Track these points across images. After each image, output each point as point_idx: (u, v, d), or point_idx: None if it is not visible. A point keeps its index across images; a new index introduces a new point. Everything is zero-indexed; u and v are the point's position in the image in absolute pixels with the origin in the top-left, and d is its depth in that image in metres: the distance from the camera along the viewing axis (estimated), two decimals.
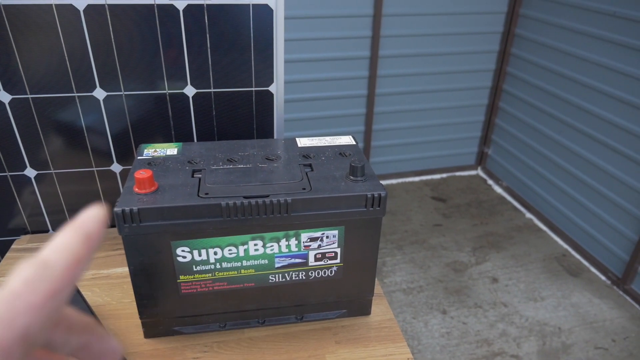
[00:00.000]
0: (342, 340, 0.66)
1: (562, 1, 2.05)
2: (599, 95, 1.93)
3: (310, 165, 0.65)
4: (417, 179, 2.67)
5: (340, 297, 0.67)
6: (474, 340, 1.67)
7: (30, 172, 0.80)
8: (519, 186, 2.47)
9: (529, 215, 2.37)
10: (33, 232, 0.87)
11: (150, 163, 0.64)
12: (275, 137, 0.84)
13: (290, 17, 2.12)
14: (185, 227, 0.56)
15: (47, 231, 0.87)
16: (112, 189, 0.85)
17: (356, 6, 2.17)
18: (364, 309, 0.70)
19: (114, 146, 0.80)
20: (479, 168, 2.77)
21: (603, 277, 1.97)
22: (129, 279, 0.76)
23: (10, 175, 0.80)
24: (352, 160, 0.61)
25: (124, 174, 0.83)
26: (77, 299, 0.61)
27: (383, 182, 2.61)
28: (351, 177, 0.61)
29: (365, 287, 0.67)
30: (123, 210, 0.54)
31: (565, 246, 2.16)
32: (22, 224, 0.85)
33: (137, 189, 0.57)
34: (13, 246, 0.83)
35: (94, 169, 0.82)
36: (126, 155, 0.82)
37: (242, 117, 0.81)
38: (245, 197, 0.56)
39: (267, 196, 0.57)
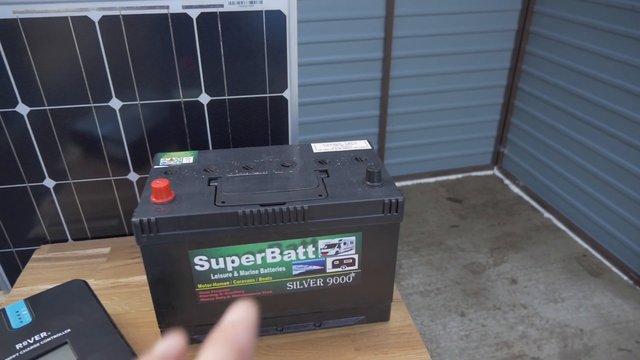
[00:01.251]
0: (361, 347, 0.65)
1: None
2: (617, 92, 1.89)
3: (326, 171, 0.64)
4: (432, 180, 2.65)
5: (359, 304, 0.66)
6: (494, 343, 1.65)
7: (49, 183, 0.81)
8: (537, 185, 2.43)
9: (547, 214, 2.34)
10: (53, 242, 0.88)
11: (167, 172, 0.64)
12: (290, 142, 0.84)
13: (304, 21, 2.12)
14: (202, 236, 0.56)
15: (66, 240, 0.88)
16: (130, 198, 0.85)
17: (368, 8, 2.17)
18: (383, 315, 0.69)
19: (130, 155, 0.81)
20: (495, 168, 2.74)
21: (625, 277, 1.93)
22: (147, 287, 0.76)
23: (30, 186, 0.81)
24: (368, 166, 0.61)
25: (141, 183, 0.84)
26: (97, 309, 0.61)
27: (398, 184, 2.60)
28: (368, 182, 0.60)
29: (383, 293, 0.66)
30: (141, 221, 0.54)
31: (585, 246, 2.12)
32: (42, 233, 0.87)
33: (154, 199, 0.57)
34: (34, 256, 0.84)
35: (111, 178, 0.82)
36: (142, 164, 0.82)
37: (257, 124, 0.81)
38: (261, 205, 0.56)
39: (284, 203, 0.57)
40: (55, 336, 0.56)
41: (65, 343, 0.55)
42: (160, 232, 0.55)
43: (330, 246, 0.60)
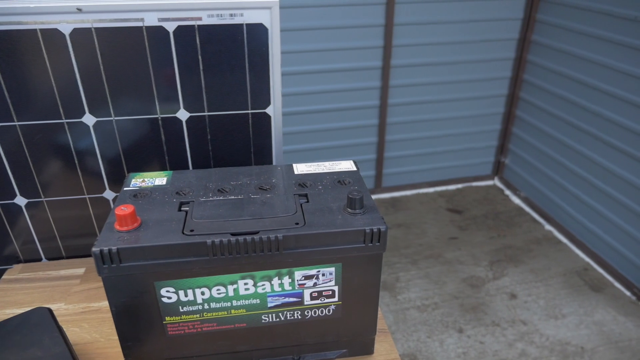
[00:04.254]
0: None
1: (581, 6, 1.97)
2: (619, 102, 1.85)
3: (305, 196, 0.60)
4: (431, 190, 2.61)
5: (340, 337, 0.62)
6: None
7: (21, 201, 0.77)
8: (538, 196, 2.39)
9: (548, 227, 2.29)
10: (26, 261, 0.84)
11: (137, 195, 0.61)
12: (274, 161, 0.80)
13: (302, 29, 2.09)
14: (169, 267, 0.52)
15: (40, 259, 0.84)
16: (105, 215, 0.82)
17: (368, 16, 2.13)
18: (367, 349, 0.65)
19: (105, 172, 0.77)
20: (496, 178, 2.70)
21: (628, 293, 1.88)
22: None
23: (0, 204, 0.77)
24: (350, 191, 0.57)
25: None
26: (59, 342, 0.57)
27: (396, 194, 2.56)
28: (349, 209, 0.56)
29: (366, 325, 0.62)
30: (102, 251, 0.50)
31: (587, 260, 2.07)
32: (15, 252, 0.83)
33: (118, 226, 0.53)
34: (4, 277, 0.81)
35: (86, 196, 0.79)
36: (118, 182, 0.79)
37: (239, 141, 0.77)
38: (232, 234, 0.52)
39: (257, 232, 0.53)
40: None
41: None
42: (123, 263, 0.51)
43: (307, 277, 0.56)
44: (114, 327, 0.70)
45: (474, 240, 2.20)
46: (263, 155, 0.79)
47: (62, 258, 0.85)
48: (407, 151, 2.51)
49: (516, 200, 2.51)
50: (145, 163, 0.77)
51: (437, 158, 2.57)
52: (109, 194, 0.79)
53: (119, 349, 0.66)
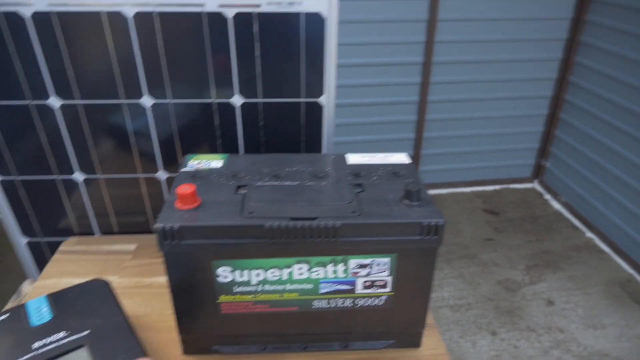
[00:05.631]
0: None
1: (634, 7, 1.90)
2: None
3: (360, 185, 0.60)
4: (468, 189, 2.57)
5: (389, 328, 0.62)
6: None
7: (79, 176, 0.80)
8: (579, 202, 2.32)
9: (589, 234, 2.22)
10: (80, 234, 0.87)
11: (194, 176, 0.62)
12: (324, 150, 0.80)
13: (345, 22, 2.08)
14: (227, 247, 0.53)
15: (93, 233, 0.87)
16: (158, 195, 0.84)
17: (411, 11, 2.11)
18: (414, 341, 0.64)
19: (160, 153, 0.79)
20: (536, 181, 2.63)
21: None
22: None
23: (60, 179, 0.80)
24: (407, 183, 0.57)
25: (170, 182, 0.82)
26: (117, 312, 0.59)
27: (432, 192, 2.53)
28: (406, 201, 0.56)
29: (416, 318, 0.62)
30: (164, 227, 0.51)
31: (630, 270, 2.00)
32: (70, 225, 0.86)
33: (179, 205, 0.54)
34: (60, 248, 0.84)
35: (140, 175, 0.81)
36: (172, 163, 0.80)
37: (290, 129, 0.78)
38: (291, 219, 0.53)
39: (315, 218, 0.53)
40: (73, 337, 0.54)
41: (83, 346, 0.53)
42: (184, 241, 0.53)
43: (361, 266, 0.56)
44: (164, 302, 0.72)
45: (511, 243, 2.16)
46: (313, 144, 0.80)
47: (114, 233, 0.87)
48: (445, 149, 2.47)
49: (556, 205, 2.45)
50: (197, 146, 0.79)
51: (475, 157, 2.52)
52: (161, 175, 0.81)
53: (170, 324, 0.68)
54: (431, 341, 0.66)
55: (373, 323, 0.61)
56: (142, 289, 0.75)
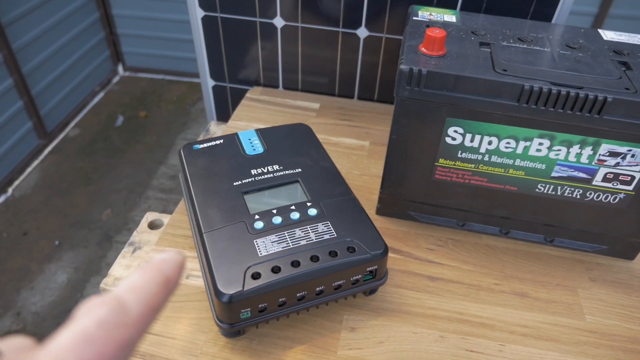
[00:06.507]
0: (597, 278, 0.56)
1: None
2: None
3: (625, 64, 0.51)
4: None
5: (609, 231, 0.56)
6: None
7: (279, 22, 0.78)
8: None
9: None
10: (265, 86, 0.87)
11: (429, 26, 0.56)
12: (554, 21, 0.70)
13: None
14: (469, 104, 0.48)
15: (277, 87, 0.87)
16: (352, 59, 0.80)
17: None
18: (629, 253, 0.58)
19: (367, 6, 0.74)
20: None
21: None
22: (357, 152, 0.72)
23: (260, 22, 0.79)
24: None
25: (370, 41, 0.77)
26: (325, 157, 0.58)
27: None
28: None
29: None
30: (411, 70, 0.47)
31: None
32: (257, 76, 0.86)
33: (424, 49, 0.49)
34: (248, 94, 0.85)
35: (340, 29, 0.77)
36: (376, 20, 0.75)
37: None
38: (553, 84, 0.46)
39: (581, 88, 0.46)
40: (287, 172, 0.55)
41: (297, 181, 0.54)
42: (426, 88, 0.48)
43: (613, 154, 0.49)
44: (352, 162, 0.71)
45: None
46: (544, 12, 0.69)
47: (297, 90, 0.87)
48: None
49: None
50: (411, 1, 0.72)
51: None
52: (362, 32, 0.76)
53: (358, 183, 0.67)
54: None
55: (594, 222, 0.55)
56: (329, 147, 0.74)
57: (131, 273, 0.19)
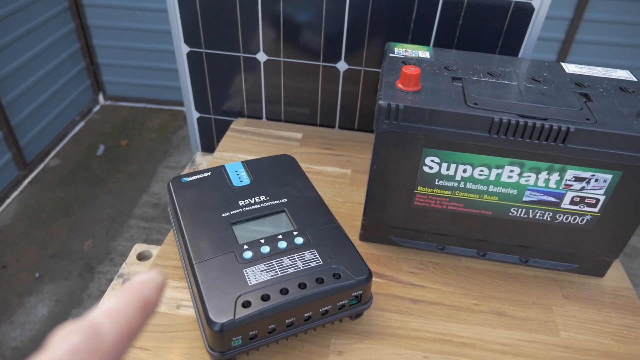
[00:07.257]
0: (570, 296, 0.59)
1: None
2: None
3: (586, 95, 0.55)
4: None
5: (578, 250, 0.59)
6: None
7: (262, 57, 0.81)
8: None
9: None
10: (249, 117, 0.90)
11: (405, 62, 0.60)
12: (520, 55, 0.75)
13: None
14: (444, 136, 0.52)
15: (261, 118, 0.90)
16: (333, 90, 0.83)
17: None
18: (598, 270, 0.61)
19: (346, 42, 0.77)
20: None
21: None
22: (340, 180, 0.75)
23: (244, 57, 0.82)
24: None
25: (348, 74, 0.81)
26: (310, 186, 0.60)
27: None
28: None
29: (613, 246, 0.58)
30: (389, 105, 0.51)
31: None
32: (240, 107, 0.89)
33: (401, 85, 0.53)
34: (232, 126, 0.88)
35: (320, 63, 0.80)
36: (355, 54, 0.79)
37: (490, 30, 0.73)
38: (520, 116, 0.50)
39: (546, 119, 0.49)
40: (273, 202, 0.57)
41: (283, 211, 0.56)
42: (403, 121, 0.52)
43: (578, 179, 0.53)
44: (335, 190, 0.73)
45: None
46: (511, 48, 0.74)
47: (280, 121, 0.89)
48: None
49: None
50: (388, 36, 0.76)
51: None
52: (342, 65, 0.80)
53: (341, 210, 0.69)
54: (615, 274, 0.62)
55: (564, 242, 0.58)
56: (312, 175, 0.76)
57: (108, 297, 0.20)
